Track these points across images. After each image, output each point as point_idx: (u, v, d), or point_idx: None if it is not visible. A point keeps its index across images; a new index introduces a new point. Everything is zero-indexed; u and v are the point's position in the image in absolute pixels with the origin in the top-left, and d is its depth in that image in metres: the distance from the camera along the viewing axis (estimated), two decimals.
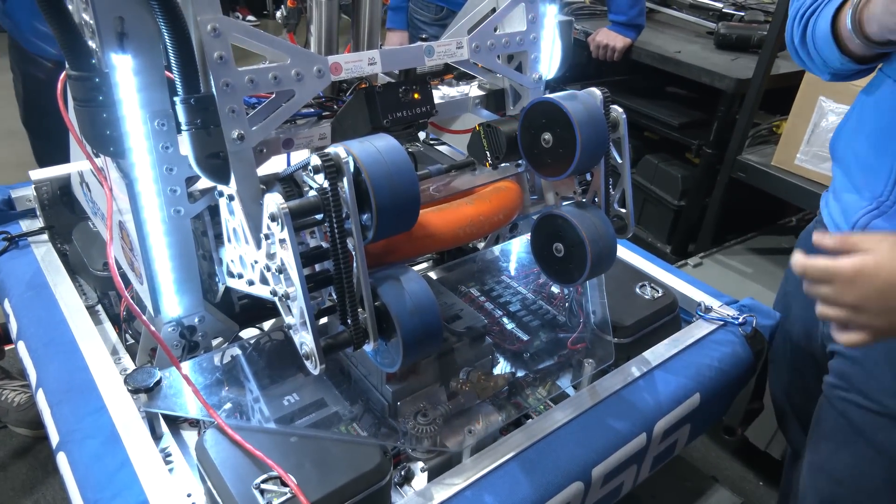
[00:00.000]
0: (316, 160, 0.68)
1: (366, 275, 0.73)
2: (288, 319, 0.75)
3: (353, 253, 0.72)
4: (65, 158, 1.17)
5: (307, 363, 0.74)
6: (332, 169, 0.68)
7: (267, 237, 0.72)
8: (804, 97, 1.78)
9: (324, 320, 0.78)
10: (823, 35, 0.92)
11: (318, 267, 0.79)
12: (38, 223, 1.26)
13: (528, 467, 0.84)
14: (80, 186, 1.18)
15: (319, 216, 0.71)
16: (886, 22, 0.81)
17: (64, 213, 1.27)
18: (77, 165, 1.17)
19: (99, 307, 1.16)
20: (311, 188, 0.72)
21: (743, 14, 2.49)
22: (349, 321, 0.74)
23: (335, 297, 0.74)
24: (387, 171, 0.71)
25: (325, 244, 0.79)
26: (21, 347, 1.00)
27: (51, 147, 1.91)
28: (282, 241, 0.70)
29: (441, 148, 1.61)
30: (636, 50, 2.35)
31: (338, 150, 0.69)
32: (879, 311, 0.71)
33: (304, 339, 0.73)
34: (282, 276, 0.73)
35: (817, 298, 0.77)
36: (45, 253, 1.20)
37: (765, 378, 1.18)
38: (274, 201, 0.68)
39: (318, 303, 0.78)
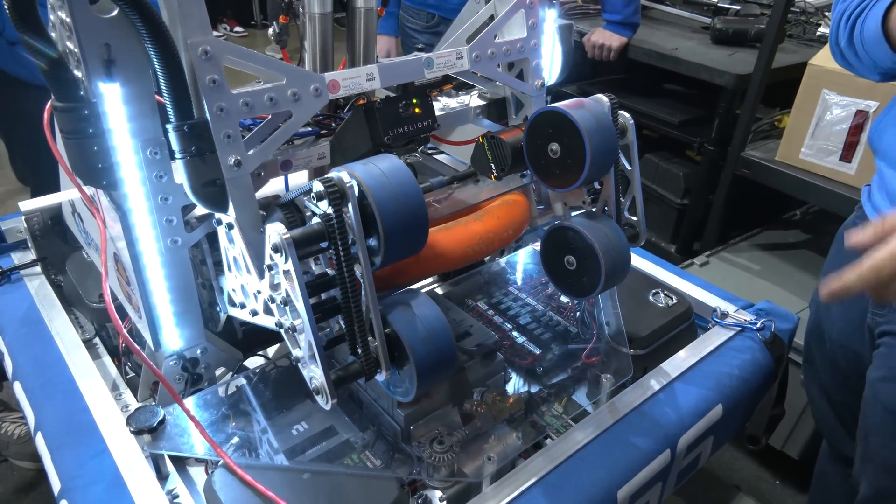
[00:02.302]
0: (318, 186, 0.65)
1: (375, 302, 0.69)
2: (295, 352, 0.72)
3: (361, 280, 0.69)
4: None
5: (318, 398, 0.71)
6: (336, 194, 0.65)
7: (270, 268, 0.69)
8: (807, 90, 1.75)
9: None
10: (874, 35, 0.89)
11: (323, 294, 0.75)
12: (31, 255, 1.23)
13: (552, 493, 0.81)
14: (72, 216, 1.14)
15: (324, 244, 0.68)
16: None
17: (57, 243, 1.24)
18: (68, 194, 1.13)
19: (97, 340, 1.12)
20: (313, 214, 0.69)
21: (738, 8, 2.47)
22: (359, 351, 0.71)
23: (343, 326, 0.71)
24: (393, 194, 0.67)
25: (330, 271, 0.75)
26: (17, 388, 0.96)
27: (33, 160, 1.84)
28: (286, 272, 0.66)
29: (440, 157, 1.58)
30: (632, 48, 2.32)
31: (341, 174, 0.66)
32: None
33: (314, 374, 0.70)
34: (287, 307, 0.69)
35: (878, 277, 0.67)
36: (38, 286, 1.16)
37: (786, 383, 1.15)
38: (276, 231, 0.64)
39: (325, 333, 0.75)
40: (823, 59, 1.72)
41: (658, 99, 2.51)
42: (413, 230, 0.69)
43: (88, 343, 1.08)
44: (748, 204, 2.26)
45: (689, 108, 2.44)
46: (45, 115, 0.84)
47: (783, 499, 1.88)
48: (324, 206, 0.66)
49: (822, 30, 2.46)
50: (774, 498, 1.88)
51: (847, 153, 1.73)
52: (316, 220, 0.68)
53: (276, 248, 0.65)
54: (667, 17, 2.75)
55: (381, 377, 0.73)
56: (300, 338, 0.70)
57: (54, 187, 1.25)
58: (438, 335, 0.71)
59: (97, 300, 1.10)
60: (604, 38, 2.28)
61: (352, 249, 0.67)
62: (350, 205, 0.65)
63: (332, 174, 0.66)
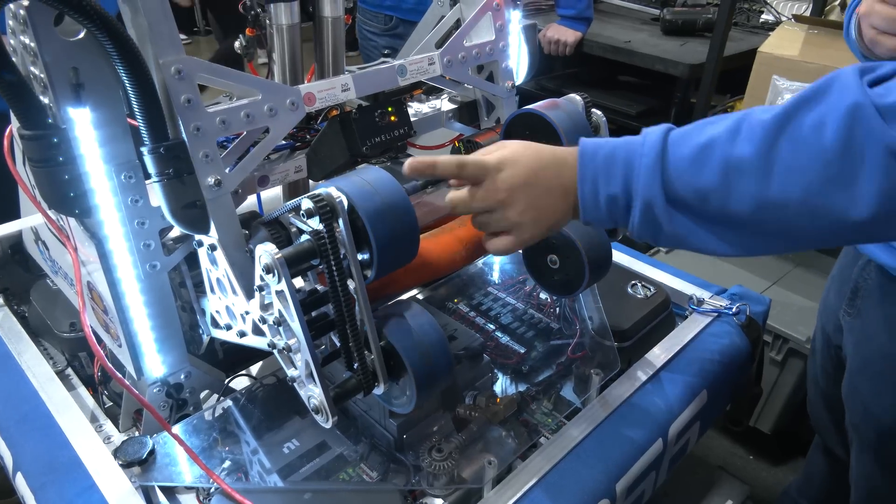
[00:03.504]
0: (308, 203, 0.64)
1: (370, 316, 0.69)
2: (290, 372, 0.71)
3: (355, 295, 0.68)
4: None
5: (318, 417, 0.70)
6: (327, 211, 0.64)
7: (261, 289, 0.68)
8: (758, 77, 1.81)
9: None
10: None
11: (314, 311, 0.74)
12: None
13: (554, 492, 0.82)
14: (34, 244, 1.09)
15: (315, 261, 0.67)
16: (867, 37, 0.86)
17: (18, 272, 1.18)
18: (29, 221, 1.09)
19: (69, 371, 1.08)
20: (301, 231, 0.67)
21: None
22: (356, 366, 0.70)
23: (338, 342, 0.70)
24: (382, 206, 0.67)
25: (319, 287, 0.74)
26: None
27: None
28: (279, 292, 0.65)
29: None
30: (587, 42, 2.35)
31: (329, 190, 0.65)
32: (525, 202, 0.67)
33: (312, 393, 0.69)
34: (280, 328, 0.68)
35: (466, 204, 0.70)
36: (2, 319, 1.11)
37: (762, 363, 1.19)
38: (268, 252, 0.63)
39: (321, 351, 0.74)
40: (772, 45, 1.78)
41: (614, 91, 2.56)
42: (404, 240, 0.69)
43: (61, 374, 1.04)
44: None
45: (645, 98, 2.49)
46: (6, 142, 0.81)
47: (758, 472, 1.94)
48: (314, 223, 0.65)
49: (765, 17, 2.54)
50: (750, 472, 1.94)
51: None
52: (305, 237, 0.66)
53: (267, 269, 0.64)
54: (616, 10, 2.80)
55: (378, 390, 0.72)
56: (296, 357, 0.69)
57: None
58: (434, 344, 0.71)
59: (67, 330, 1.05)
60: (559, 33, 2.30)
61: (343, 264, 0.67)
62: (340, 220, 0.64)
63: (321, 191, 0.65)
